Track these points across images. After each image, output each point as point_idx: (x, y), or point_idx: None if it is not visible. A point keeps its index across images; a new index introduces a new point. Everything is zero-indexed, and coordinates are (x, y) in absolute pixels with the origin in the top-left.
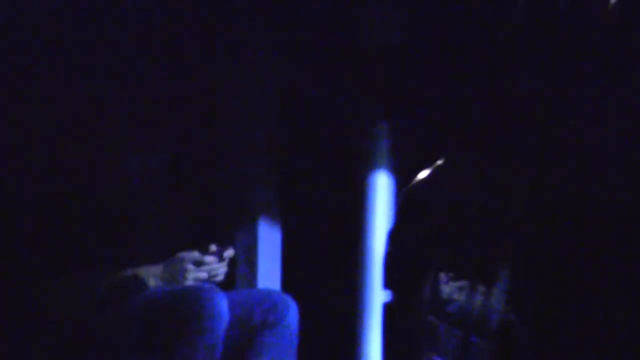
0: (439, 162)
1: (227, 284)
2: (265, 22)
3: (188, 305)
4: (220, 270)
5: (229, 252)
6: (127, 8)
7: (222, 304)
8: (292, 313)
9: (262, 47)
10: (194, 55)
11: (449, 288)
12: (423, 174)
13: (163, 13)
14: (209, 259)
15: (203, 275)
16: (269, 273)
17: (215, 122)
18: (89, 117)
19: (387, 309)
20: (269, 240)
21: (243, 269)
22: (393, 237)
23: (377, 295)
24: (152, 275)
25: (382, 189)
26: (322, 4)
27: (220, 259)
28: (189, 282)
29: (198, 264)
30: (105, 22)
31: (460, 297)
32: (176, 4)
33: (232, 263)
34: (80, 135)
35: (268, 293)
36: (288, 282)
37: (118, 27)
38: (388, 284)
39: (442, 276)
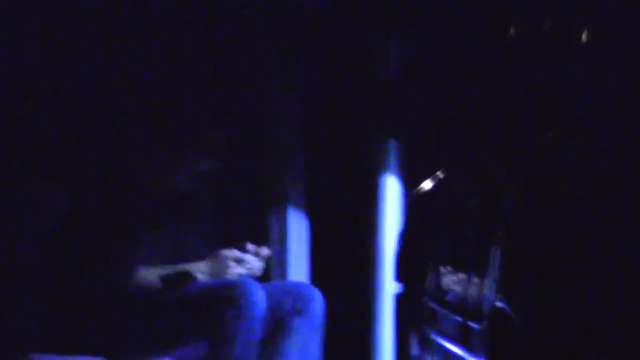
0: (440, 171)
1: (263, 277)
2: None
3: (230, 295)
4: (257, 266)
5: (265, 251)
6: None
7: (259, 294)
8: (317, 302)
9: (294, 71)
10: (236, 72)
11: (448, 280)
12: (427, 182)
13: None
14: (247, 256)
15: (243, 270)
16: (297, 268)
17: (254, 130)
18: (153, 129)
19: (397, 298)
20: (298, 240)
21: (276, 264)
22: (402, 237)
23: (389, 287)
24: (200, 271)
25: (392, 197)
26: (342, 38)
27: (257, 256)
28: (231, 277)
29: (238, 260)
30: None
31: (457, 287)
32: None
33: (267, 260)
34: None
35: (297, 285)
36: (314, 276)
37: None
38: (398, 277)
39: (443, 270)
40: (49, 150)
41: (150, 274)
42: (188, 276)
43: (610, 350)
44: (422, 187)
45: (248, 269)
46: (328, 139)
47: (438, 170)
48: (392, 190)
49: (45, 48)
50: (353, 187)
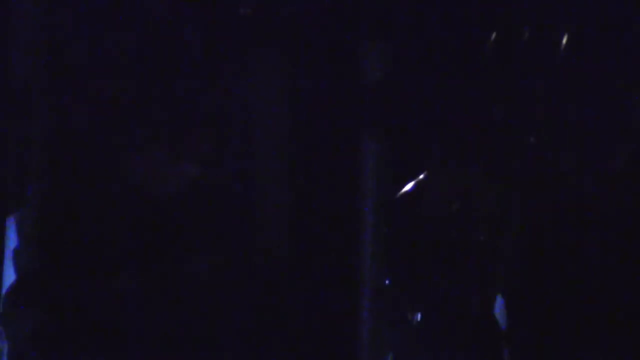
0: (423, 174)
1: None
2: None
3: None
4: None
5: None
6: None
7: None
8: None
9: (280, 74)
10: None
11: (432, 280)
12: (409, 184)
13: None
14: None
15: None
16: None
17: (244, 134)
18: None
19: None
20: None
21: None
22: (385, 238)
23: (374, 285)
24: None
25: (377, 198)
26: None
27: None
28: None
29: None
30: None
31: (442, 288)
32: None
33: None
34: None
35: None
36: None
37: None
38: (382, 277)
39: (427, 270)
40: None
41: None
42: None
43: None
44: (406, 189)
45: None
46: (315, 141)
47: (421, 172)
48: (377, 191)
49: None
50: (339, 188)
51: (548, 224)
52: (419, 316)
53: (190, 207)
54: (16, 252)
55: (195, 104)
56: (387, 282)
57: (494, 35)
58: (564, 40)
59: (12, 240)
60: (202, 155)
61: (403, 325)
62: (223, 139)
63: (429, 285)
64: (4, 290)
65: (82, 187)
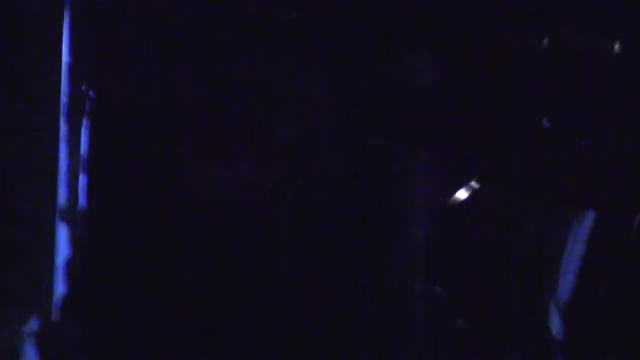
0: (473, 181)
1: None
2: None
3: None
4: None
5: None
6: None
7: None
8: None
9: (330, 82)
10: None
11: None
12: (461, 191)
13: None
14: None
15: None
16: None
17: (295, 141)
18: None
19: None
20: None
21: None
22: (437, 244)
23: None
24: None
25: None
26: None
27: None
28: None
29: None
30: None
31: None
32: None
33: None
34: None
35: None
36: None
37: None
38: (433, 281)
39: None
40: None
41: None
42: None
43: None
44: (457, 197)
45: None
46: (366, 149)
47: (471, 180)
48: (427, 199)
49: None
50: (390, 196)
51: (598, 231)
52: (468, 322)
53: (243, 213)
54: (68, 261)
55: (248, 112)
56: (437, 288)
57: (543, 42)
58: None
59: (63, 250)
60: (254, 164)
61: (453, 331)
62: (275, 145)
63: (479, 292)
64: (56, 300)
65: (135, 194)
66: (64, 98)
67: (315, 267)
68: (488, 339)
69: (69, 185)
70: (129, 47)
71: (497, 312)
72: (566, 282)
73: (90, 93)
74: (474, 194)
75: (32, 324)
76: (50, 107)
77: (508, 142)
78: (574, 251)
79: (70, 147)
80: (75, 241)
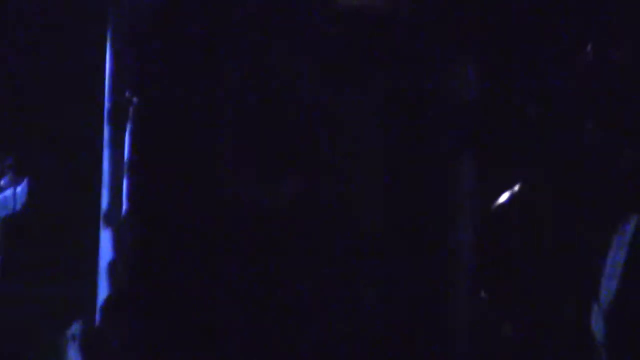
0: (516, 186)
1: None
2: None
3: None
4: None
5: None
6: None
7: None
8: None
9: (375, 93)
10: None
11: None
12: (504, 195)
13: None
14: None
15: None
16: None
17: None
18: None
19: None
20: None
21: None
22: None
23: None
24: None
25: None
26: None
27: None
28: None
29: None
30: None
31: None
32: None
33: None
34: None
35: None
36: None
37: None
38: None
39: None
40: None
41: None
42: None
43: None
44: (500, 201)
45: None
46: (411, 156)
47: (514, 184)
48: (472, 204)
49: None
50: (435, 202)
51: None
52: (513, 326)
53: (288, 223)
54: (111, 265)
55: (294, 126)
56: (482, 293)
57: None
58: None
59: (107, 254)
60: (301, 174)
61: (498, 335)
62: (320, 157)
63: (524, 296)
64: (100, 303)
65: (178, 201)
66: (107, 104)
67: (361, 274)
68: (533, 345)
69: (113, 190)
70: (172, 55)
71: (542, 319)
72: (610, 287)
73: (134, 99)
74: (517, 200)
75: (76, 328)
76: (94, 113)
77: (553, 148)
78: (618, 256)
79: (114, 152)
80: (119, 245)
